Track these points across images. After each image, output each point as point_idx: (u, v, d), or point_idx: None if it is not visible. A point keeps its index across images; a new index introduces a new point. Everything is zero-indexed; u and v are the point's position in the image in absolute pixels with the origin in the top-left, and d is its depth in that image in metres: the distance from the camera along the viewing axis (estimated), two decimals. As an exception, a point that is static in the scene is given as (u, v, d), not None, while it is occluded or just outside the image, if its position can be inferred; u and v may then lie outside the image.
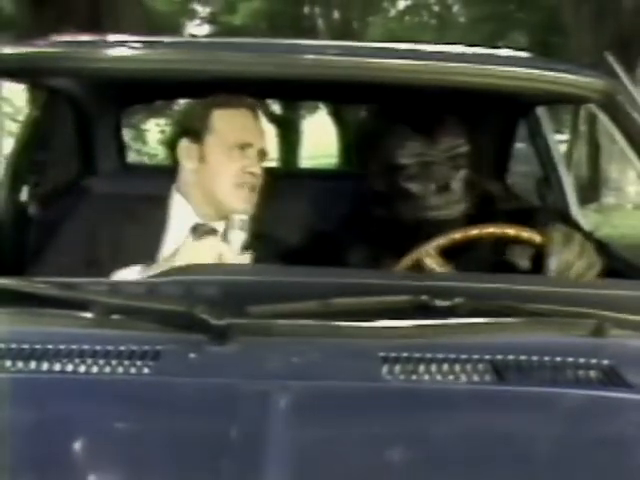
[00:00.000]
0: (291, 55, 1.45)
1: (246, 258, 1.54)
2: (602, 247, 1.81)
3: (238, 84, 1.67)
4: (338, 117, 16.17)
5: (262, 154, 1.71)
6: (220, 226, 1.68)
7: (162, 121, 11.98)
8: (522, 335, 1.13)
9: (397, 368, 1.03)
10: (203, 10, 17.37)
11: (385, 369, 1.03)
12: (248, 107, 1.72)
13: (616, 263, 1.65)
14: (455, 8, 19.31)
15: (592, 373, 1.04)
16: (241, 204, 1.65)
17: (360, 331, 1.11)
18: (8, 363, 1.02)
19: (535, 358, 1.06)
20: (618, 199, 10.11)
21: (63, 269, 1.46)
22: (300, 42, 1.60)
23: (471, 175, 1.62)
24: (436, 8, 19.35)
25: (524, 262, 1.48)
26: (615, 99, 1.45)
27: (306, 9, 16.89)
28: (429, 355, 1.05)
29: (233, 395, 0.96)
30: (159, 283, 1.22)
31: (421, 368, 1.03)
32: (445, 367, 1.04)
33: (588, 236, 1.91)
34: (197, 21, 17.44)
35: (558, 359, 1.06)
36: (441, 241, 1.46)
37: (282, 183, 1.82)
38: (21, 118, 2.28)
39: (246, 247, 1.56)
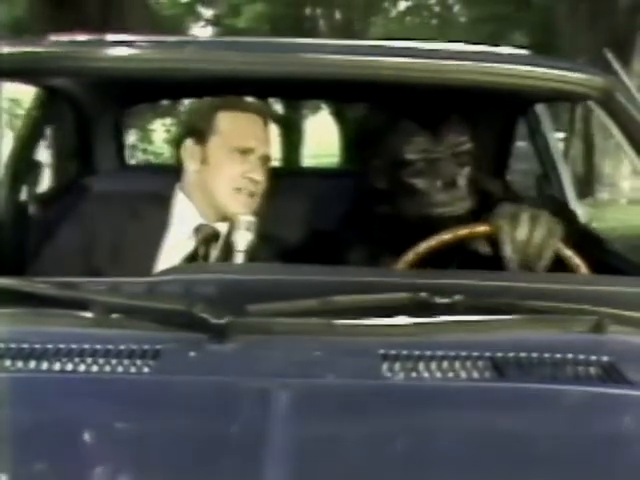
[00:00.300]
0: (294, 54, 1.44)
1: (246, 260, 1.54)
2: (598, 242, 1.81)
3: (238, 83, 1.67)
4: (340, 116, 16.18)
5: (265, 160, 1.69)
6: (223, 227, 1.68)
7: (168, 121, 12.08)
8: (522, 332, 1.13)
9: (397, 365, 1.03)
10: (207, 13, 17.41)
11: (385, 366, 1.03)
12: (256, 112, 1.70)
13: (612, 258, 1.65)
14: (456, 8, 19.32)
15: (592, 370, 1.04)
16: (239, 208, 1.63)
17: (360, 329, 1.11)
18: (8, 362, 1.02)
19: (535, 355, 1.06)
20: (612, 194, 10.12)
21: (63, 269, 1.46)
22: (302, 41, 1.59)
23: (473, 172, 1.62)
24: (437, 8, 19.36)
25: (490, 253, 1.44)
26: (614, 96, 1.45)
27: (308, 11, 16.90)
28: (429, 352, 1.05)
29: (233, 393, 0.96)
30: (159, 282, 1.22)
31: (421, 365, 1.03)
32: (445, 364, 1.04)
33: (585, 230, 1.91)
34: (201, 23, 17.46)
35: (558, 356, 1.06)
36: (408, 258, 1.42)
37: (284, 182, 1.81)
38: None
39: (251, 248, 1.55)
